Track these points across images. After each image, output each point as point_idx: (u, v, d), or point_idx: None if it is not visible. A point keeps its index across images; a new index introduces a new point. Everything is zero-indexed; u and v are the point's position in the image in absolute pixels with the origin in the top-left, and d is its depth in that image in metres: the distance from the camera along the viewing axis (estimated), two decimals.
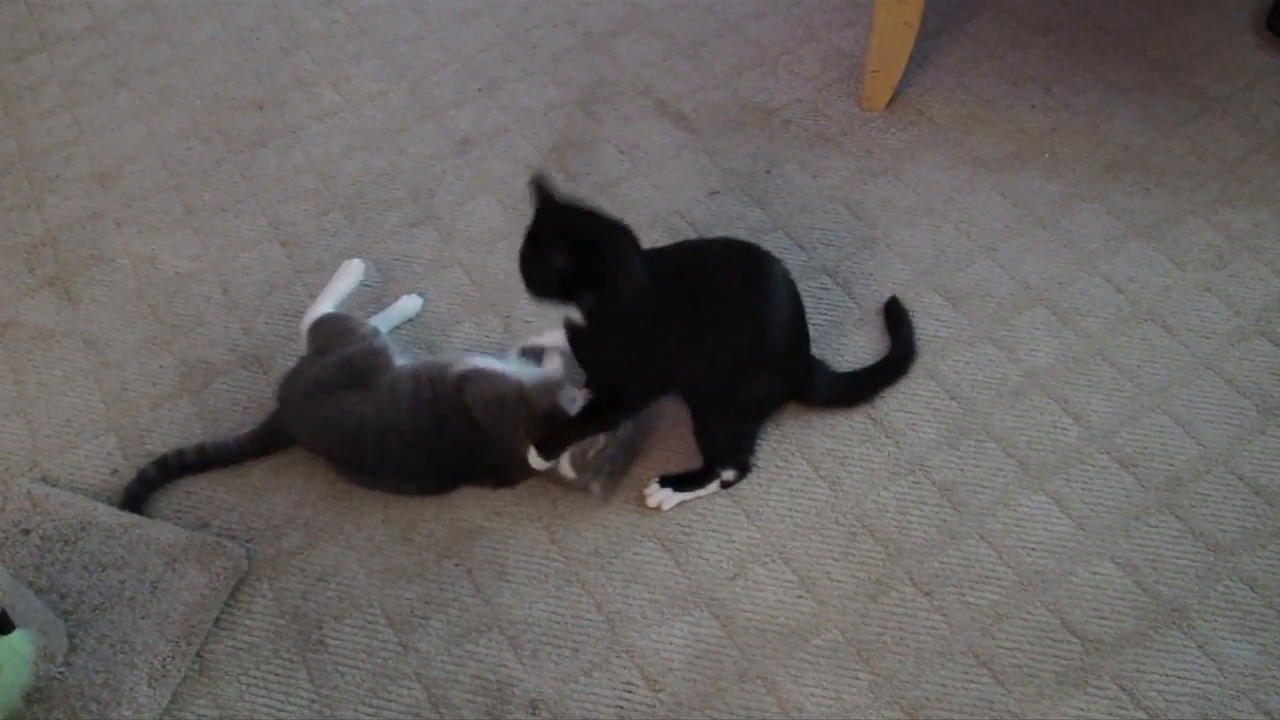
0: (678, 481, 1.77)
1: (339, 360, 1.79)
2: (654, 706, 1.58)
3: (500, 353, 1.91)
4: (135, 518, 1.79)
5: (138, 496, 1.83)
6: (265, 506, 1.82)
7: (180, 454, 1.86)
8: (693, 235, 2.12)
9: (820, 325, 1.96)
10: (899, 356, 1.89)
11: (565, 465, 1.73)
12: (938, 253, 2.06)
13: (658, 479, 1.78)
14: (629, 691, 1.59)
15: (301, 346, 1.94)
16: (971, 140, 2.26)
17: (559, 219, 1.58)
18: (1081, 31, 2.45)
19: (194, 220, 2.30)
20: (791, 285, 1.71)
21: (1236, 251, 2.01)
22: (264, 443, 1.86)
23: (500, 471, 1.78)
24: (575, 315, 1.59)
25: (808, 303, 1.94)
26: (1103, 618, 1.60)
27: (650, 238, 2.05)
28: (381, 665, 1.64)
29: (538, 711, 1.58)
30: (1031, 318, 1.95)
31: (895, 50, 2.23)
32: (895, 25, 2.18)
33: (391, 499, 1.81)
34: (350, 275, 2.03)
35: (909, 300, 1.98)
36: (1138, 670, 1.55)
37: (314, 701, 1.62)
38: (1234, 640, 1.57)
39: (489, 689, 1.61)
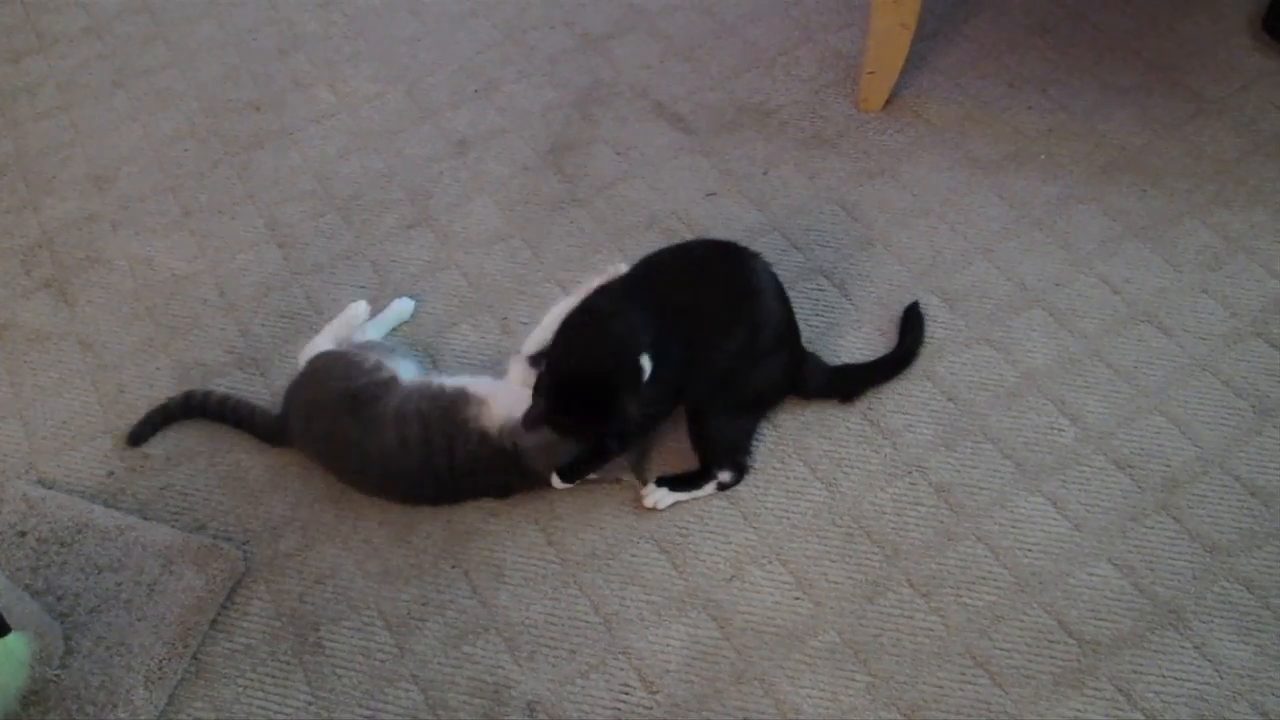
0: (674, 482, 1.77)
1: (344, 392, 1.77)
2: (651, 708, 1.57)
3: (496, 364, 1.91)
4: (132, 519, 1.79)
5: (153, 425, 1.92)
6: (262, 508, 1.82)
7: (206, 395, 1.92)
8: (690, 236, 2.12)
9: (817, 326, 1.96)
10: (898, 357, 1.89)
11: None
12: (934, 254, 2.07)
13: (654, 479, 1.78)
14: (626, 693, 1.59)
15: (298, 349, 1.94)
16: (968, 141, 2.26)
17: (579, 389, 1.58)
18: (1078, 33, 2.45)
19: (191, 222, 2.30)
20: (775, 279, 1.72)
21: (1233, 253, 2.01)
22: (276, 434, 1.86)
23: (509, 490, 1.79)
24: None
25: (804, 304, 1.96)
26: (1100, 619, 1.60)
27: (647, 239, 2.07)
28: (378, 667, 1.64)
29: (535, 713, 1.58)
30: (1028, 319, 1.95)
31: (892, 52, 2.23)
32: (892, 27, 2.18)
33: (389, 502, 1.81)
34: (353, 317, 2.00)
35: (905, 301, 1.98)
36: (1135, 671, 1.55)
37: (311, 703, 1.61)
38: (1231, 641, 1.57)
39: (486, 691, 1.61)
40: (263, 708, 1.62)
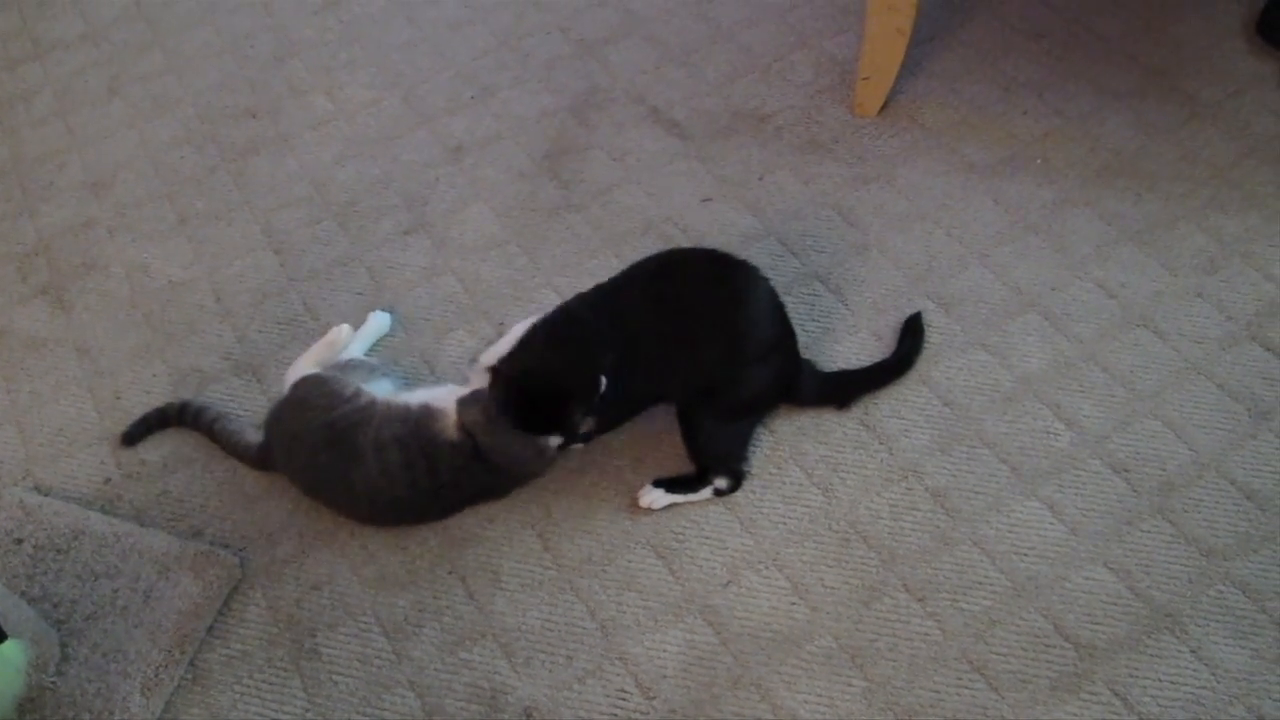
0: (671, 484, 1.77)
1: (323, 424, 1.75)
2: (648, 714, 1.57)
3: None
4: (128, 526, 1.79)
5: (148, 426, 1.93)
6: (259, 515, 1.82)
7: (200, 411, 1.92)
8: (686, 242, 2.13)
9: (813, 332, 1.96)
10: (893, 365, 1.89)
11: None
12: (930, 258, 2.07)
13: (651, 481, 1.78)
14: (623, 699, 1.59)
15: (294, 356, 1.94)
16: (964, 146, 2.26)
17: (533, 391, 1.63)
18: (1073, 37, 2.45)
19: (187, 228, 2.30)
20: (767, 286, 1.73)
21: (1228, 256, 2.02)
22: (260, 462, 1.86)
23: (507, 487, 1.79)
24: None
25: (800, 309, 1.96)
26: (1096, 623, 1.60)
27: (643, 245, 2.07)
28: (375, 673, 1.64)
29: (531, 719, 1.58)
30: (1024, 323, 1.95)
31: (887, 57, 2.24)
32: (887, 32, 2.18)
33: None
34: (335, 341, 1.97)
35: (901, 306, 1.98)
36: (1131, 675, 1.55)
37: (307, 710, 1.61)
38: (1227, 645, 1.57)
39: (482, 697, 1.61)
40: (259, 714, 1.62)
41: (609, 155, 2.33)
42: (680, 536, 1.74)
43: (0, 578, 1.73)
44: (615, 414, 1.78)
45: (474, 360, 1.84)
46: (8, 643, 1.56)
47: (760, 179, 2.24)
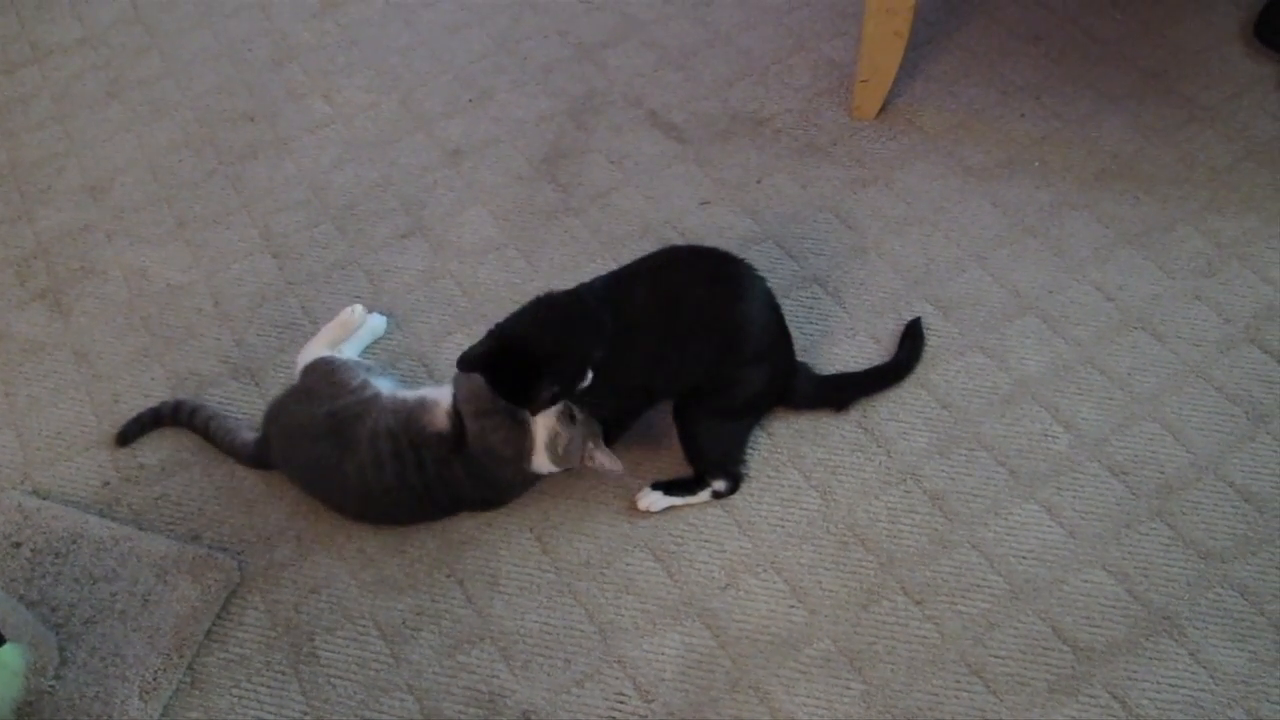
0: (669, 486, 1.77)
1: (326, 413, 1.76)
2: (646, 717, 1.57)
3: None
4: (127, 530, 1.79)
5: (142, 426, 1.93)
6: (257, 518, 1.82)
7: (195, 410, 1.92)
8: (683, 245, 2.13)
9: (811, 335, 1.96)
10: (891, 369, 1.89)
11: (546, 463, 1.72)
12: (928, 261, 2.07)
13: (650, 484, 1.78)
14: (621, 702, 1.59)
15: (293, 359, 1.94)
16: (961, 149, 2.26)
17: (513, 354, 1.60)
18: (1071, 40, 2.46)
19: (185, 232, 2.30)
20: (764, 286, 1.72)
21: (1226, 259, 2.02)
22: (256, 460, 1.86)
23: (492, 500, 1.79)
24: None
25: (798, 312, 1.96)
26: (1094, 626, 1.60)
27: (641, 248, 2.06)
28: (373, 677, 1.64)
29: None
30: (1022, 326, 1.95)
31: (885, 60, 2.24)
32: (885, 35, 2.18)
33: None
34: (349, 321, 1.99)
35: (899, 309, 1.98)
36: (1129, 678, 1.55)
37: (306, 714, 1.61)
38: (1225, 648, 1.57)
39: (481, 700, 1.61)
40: (258, 717, 1.62)
41: (607, 158, 2.34)
42: (678, 539, 1.74)
43: None
44: (617, 415, 1.78)
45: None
46: (6, 646, 1.56)
47: (758, 182, 2.24)
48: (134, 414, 1.95)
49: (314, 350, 1.90)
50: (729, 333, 1.68)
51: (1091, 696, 1.54)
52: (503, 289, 2.11)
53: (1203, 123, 2.25)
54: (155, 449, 1.93)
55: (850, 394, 1.87)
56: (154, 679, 1.62)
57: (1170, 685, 1.54)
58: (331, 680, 1.64)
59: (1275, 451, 1.76)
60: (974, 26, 2.52)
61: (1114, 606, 1.62)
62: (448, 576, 1.74)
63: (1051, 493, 1.74)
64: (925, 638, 1.61)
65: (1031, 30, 2.49)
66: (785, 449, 1.83)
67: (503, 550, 1.76)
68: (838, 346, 1.95)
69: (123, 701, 1.60)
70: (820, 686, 1.58)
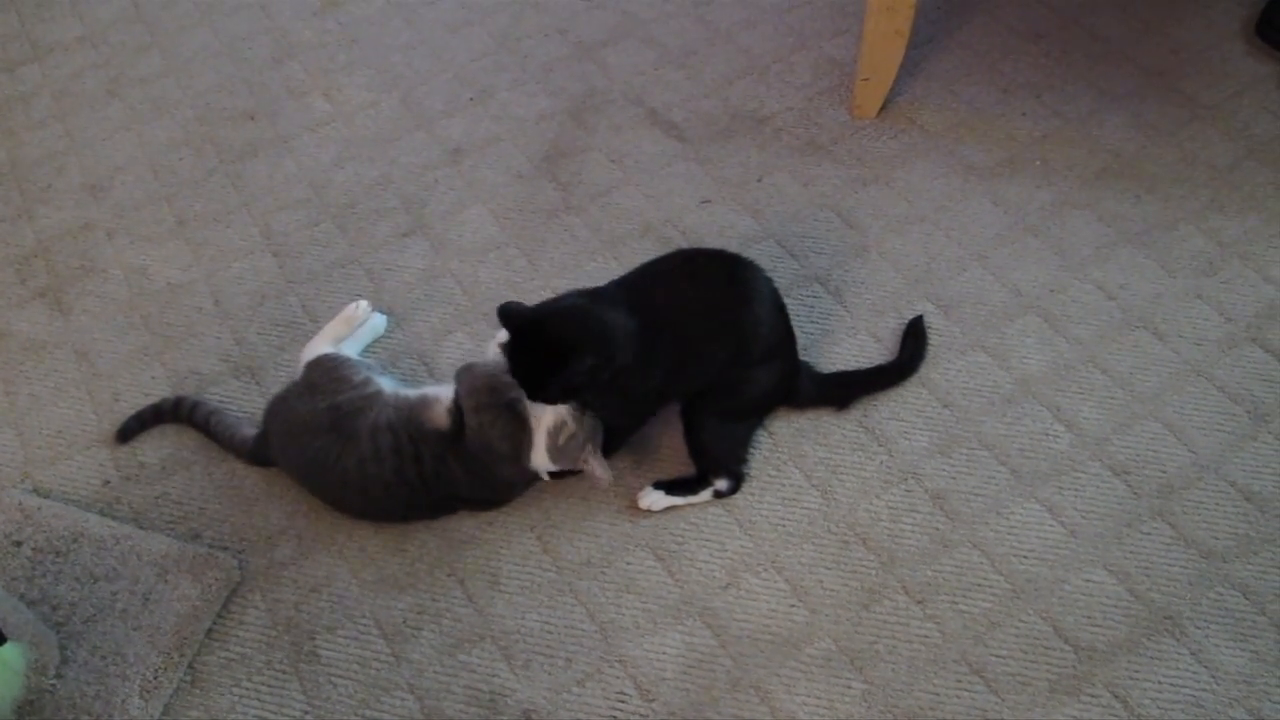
0: (671, 486, 1.77)
1: (328, 407, 1.77)
2: (647, 716, 1.57)
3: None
4: (127, 528, 1.79)
5: (142, 422, 1.94)
6: (257, 517, 1.82)
7: (195, 406, 1.93)
8: (685, 244, 2.13)
9: (812, 334, 1.96)
10: (895, 368, 1.89)
11: (544, 460, 1.72)
12: (929, 260, 2.07)
13: (651, 483, 1.78)
14: (622, 701, 1.59)
15: (294, 358, 1.94)
16: (962, 148, 2.26)
17: (542, 332, 1.59)
18: (1072, 39, 2.45)
19: (185, 230, 2.30)
20: (772, 287, 1.73)
21: (1227, 258, 2.02)
22: (255, 456, 1.86)
23: (490, 499, 1.79)
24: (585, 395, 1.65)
25: (799, 311, 1.96)
26: (1095, 625, 1.60)
27: (642, 247, 2.07)
28: (374, 676, 1.64)
29: None
30: (1023, 325, 1.95)
31: (886, 58, 2.24)
32: (886, 33, 2.18)
33: None
34: (353, 317, 1.99)
35: (900, 308, 1.98)
36: (1131, 678, 1.55)
37: (306, 713, 1.61)
38: (1227, 647, 1.57)
39: (482, 699, 1.61)
40: (258, 716, 1.61)
41: (607, 157, 2.33)
42: (680, 539, 1.74)
43: (0, 581, 1.73)
44: (626, 421, 1.79)
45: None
46: (7, 645, 1.56)
47: (759, 181, 2.24)
48: (131, 411, 1.95)
49: (318, 346, 1.90)
50: (741, 335, 1.68)
51: (1093, 696, 1.54)
52: (503, 288, 2.11)
53: (1204, 121, 2.25)
54: (156, 448, 1.93)
55: (852, 392, 1.87)
56: (154, 678, 1.62)
57: (1172, 685, 1.54)
58: (332, 679, 1.64)
59: (1277, 451, 1.76)
60: (975, 25, 2.52)
61: (1115, 606, 1.62)
62: (449, 575, 1.73)
63: (1053, 492, 1.74)
64: (926, 637, 1.61)
65: (1032, 29, 2.49)
66: (786, 448, 1.83)
67: (504, 549, 1.76)
68: (838, 345, 1.95)
69: (123, 700, 1.60)
70: (821, 686, 1.58)
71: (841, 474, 1.79)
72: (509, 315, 1.57)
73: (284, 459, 1.82)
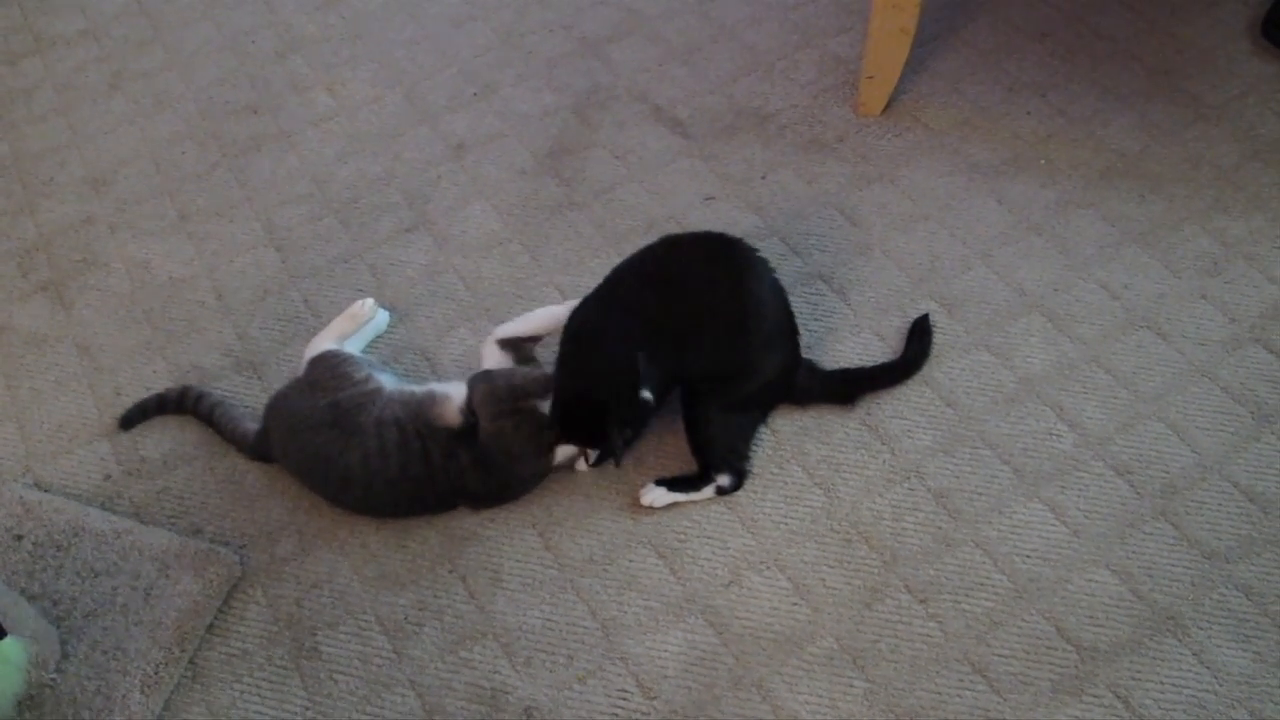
0: (673, 483, 1.77)
1: (328, 404, 1.77)
2: (648, 714, 1.57)
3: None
4: (128, 523, 1.79)
5: (145, 412, 1.95)
6: (259, 513, 1.82)
7: (200, 397, 1.93)
8: None
9: (815, 331, 1.96)
10: (900, 365, 1.89)
11: (563, 453, 1.75)
12: (933, 259, 2.06)
13: (654, 480, 1.77)
14: (624, 699, 1.59)
15: (296, 353, 1.94)
16: (967, 146, 2.25)
17: (581, 408, 1.67)
18: (1077, 38, 2.45)
19: (188, 225, 2.29)
20: (772, 273, 1.74)
21: (1232, 258, 2.01)
22: (256, 451, 1.86)
23: (500, 496, 1.79)
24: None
25: (803, 309, 1.95)
26: (1098, 625, 1.60)
27: (645, 243, 2.05)
28: (375, 672, 1.64)
29: (532, 719, 1.58)
30: (1027, 324, 1.95)
31: (891, 56, 2.23)
32: (891, 31, 2.18)
33: None
34: (358, 315, 1.99)
35: (904, 306, 1.98)
36: (1133, 678, 1.55)
37: (307, 709, 1.61)
38: (1229, 648, 1.57)
39: (483, 696, 1.60)
40: (259, 713, 1.61)
41: (611, 154, 2.33)
42: (682, 536, 1.74)
43: (0, 575, 1.73)
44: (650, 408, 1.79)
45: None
46: (7, 640, 1.56)
47: (763, 178, 2.24)
48: (132, 406, 1.96)
49: (322, 343, 1.90)
50: (742, 317, 1.69)
51: (1095, 696, 1.54)
52: (506, 284, 2.10)
53: (1209, 121, 2.25)
54: (157, 442, 1.93)
55: (856, 390, 1.86)
56: (155, 673, 1.62)
57: (1174, 685, 1.54)
58: (333, 675, 1.64)
59: None
60: (980, 23, 2.51)
61: (1118, 606, 1.62)
62: (450, 572, 1.73)
63: (1056, 492, 1.74)
64: (928, 636, 1.61)
65: (1038, 28, 2.48)
66: (789, 446, 1.83)
67: (505, 546, 1.75)
68: (842, 343, 1.95)
69: (124, 696, 1.59)
70: (823, 684, 1.58)
71: (844, 472, 1.79)
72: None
73: (284, 455, 1.82)
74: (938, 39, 2.48)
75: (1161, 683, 1.54)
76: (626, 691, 1.59)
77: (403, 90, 2.54)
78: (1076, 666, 1.57)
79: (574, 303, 1.78)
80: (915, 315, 1.95)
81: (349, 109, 2.51)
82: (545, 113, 2.44)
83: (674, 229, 2.15)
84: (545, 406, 1.73)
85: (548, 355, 1.86)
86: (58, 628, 1.67)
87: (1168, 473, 1.75)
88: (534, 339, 1.88)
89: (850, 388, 1.87)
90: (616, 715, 1.58)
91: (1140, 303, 1.96)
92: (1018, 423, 1.82)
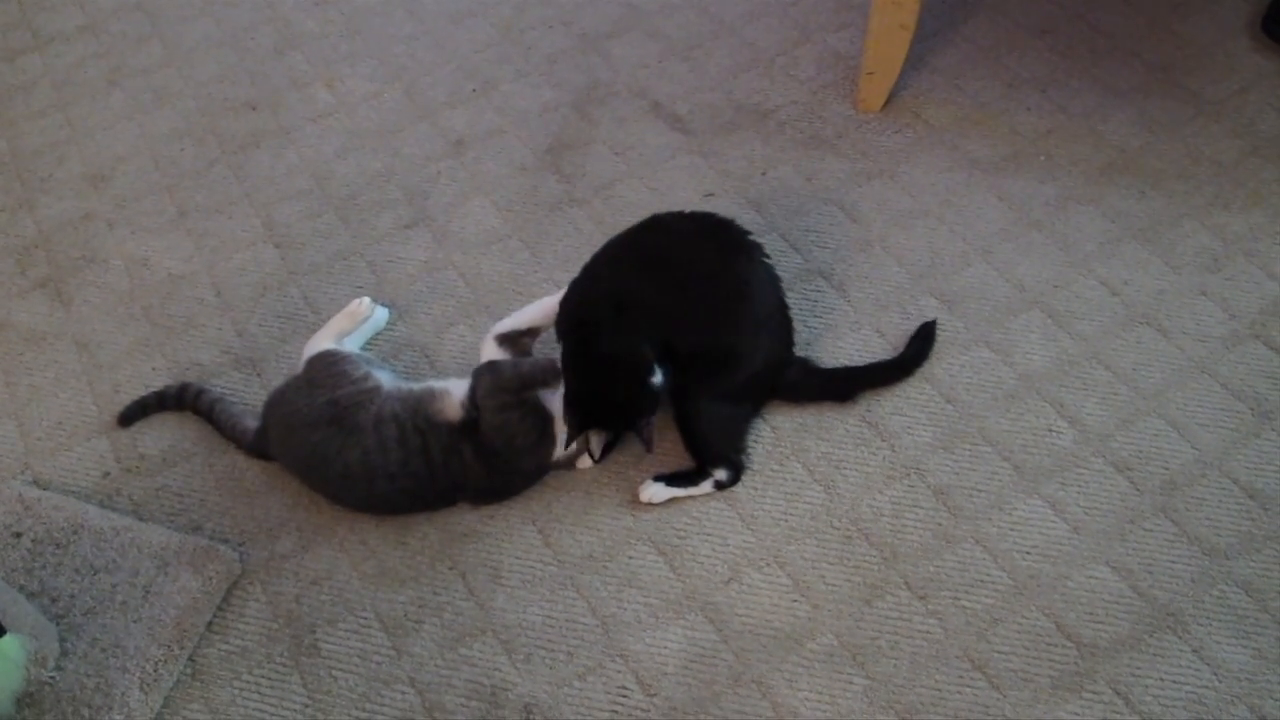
0: (671, 478, 1.77)
1: (327, 401, 1.76)
2: (648, 711, 1.57)
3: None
4: (127, 520, 1.79)
5: (144, 409, 1.95)
6: (258, 510, 1.82)
7: (200, 393, 1.93)
8: None
9: (815, 328, 1.96)
10: (899, 363, 1.88)
11: (563, 449, 1.75)
12: (933, 255, 2.06)
13: (652, 476, 1.77)
14: (623, 696, 1.59)
15: (295, 350, 1.94)
16: (967, 142, 2.25)
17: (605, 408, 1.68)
18: (1077, 34, 2.45)
19: (187, 221, 2.29)
20: (764, 256, 1.75)
21: (1231, 255, 2.01)
22: (255, 448, 1.86)
23: (501, 491, 1.79)
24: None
25: (802, 305, 1.96)
26: (1098, 622, 1.60)
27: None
28: (375, 669, 1.64)
29: (532, 716, 1.58)
30: (1027, 321, 1.95)
31: (891, 52, 2.23)
32: (891, 27, 2.17)
33: None
34: (357, 313, 1.98)
35: (904, 303, 1.98)
36: (1133, 675, 1.55)
37: (307, 706, 1.61)
38: (1229, 644, 1.57)
39: (483, 693, 1.60)
40: (259, 710, 1.61)
41: (611, 150, 2.33)
42: (681, 533, 1.74)
43: None
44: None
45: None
46: (7, 637, 1.55)
47: (763, 174, 2.24)
48: (131, 402, 1.95)
49: (320, 342, 1.90)
50: (734, 298, 1.71)
51: (1095, 693, 1.54)
52: (505, 280, 2.10)
53: (1209, 117, 2.24)
54: (156, 440, 1.93)
55: (855, 387, 1.86)
56: (155, 670, 1.62)
57: (1174, 682, 1.54)
58: (333, 672, 1.64)
59: None
60: (980, 19, 2.51)
61: (1118, 603, 1.62)
62: (450, 569, 1.73)
63: (1055, 488, 1.74)
64: (928, 633, 1.61)
65: (1038, 24, 2.48)
66: (789, 442, 1.82)
67: (505, 543, 1.75)
68: (842, 340, 1.95)
69: (123, 693, 1.59)
70: (823, 681, 1.58)
71: (844, 469, 1.79)
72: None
73: (282, 453, 1.81)
74: (938, 35, 2.48)
75: (1161, 679, 1.54)
76: (626, 688, 1.59)
77: (402, 86, 2.54)
78: (1076, 663, 1.57)
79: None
80: (915, 311, 1.95)
81: (348, 105, 2.50)
82: (545, 109, 2.44)
83: None
84: (550, 400, 1.73)
85: (548, 354, 1.86)
86: (57, 625, 1.66)
87: (1168, 469, 1.75)
88: (533, 334, 1.88)
89: (848, 386, 1.87)
90: (616, 712, 1.57)
91: (1140, 299, 1.96)
92: (1018, 419, 1.82)
